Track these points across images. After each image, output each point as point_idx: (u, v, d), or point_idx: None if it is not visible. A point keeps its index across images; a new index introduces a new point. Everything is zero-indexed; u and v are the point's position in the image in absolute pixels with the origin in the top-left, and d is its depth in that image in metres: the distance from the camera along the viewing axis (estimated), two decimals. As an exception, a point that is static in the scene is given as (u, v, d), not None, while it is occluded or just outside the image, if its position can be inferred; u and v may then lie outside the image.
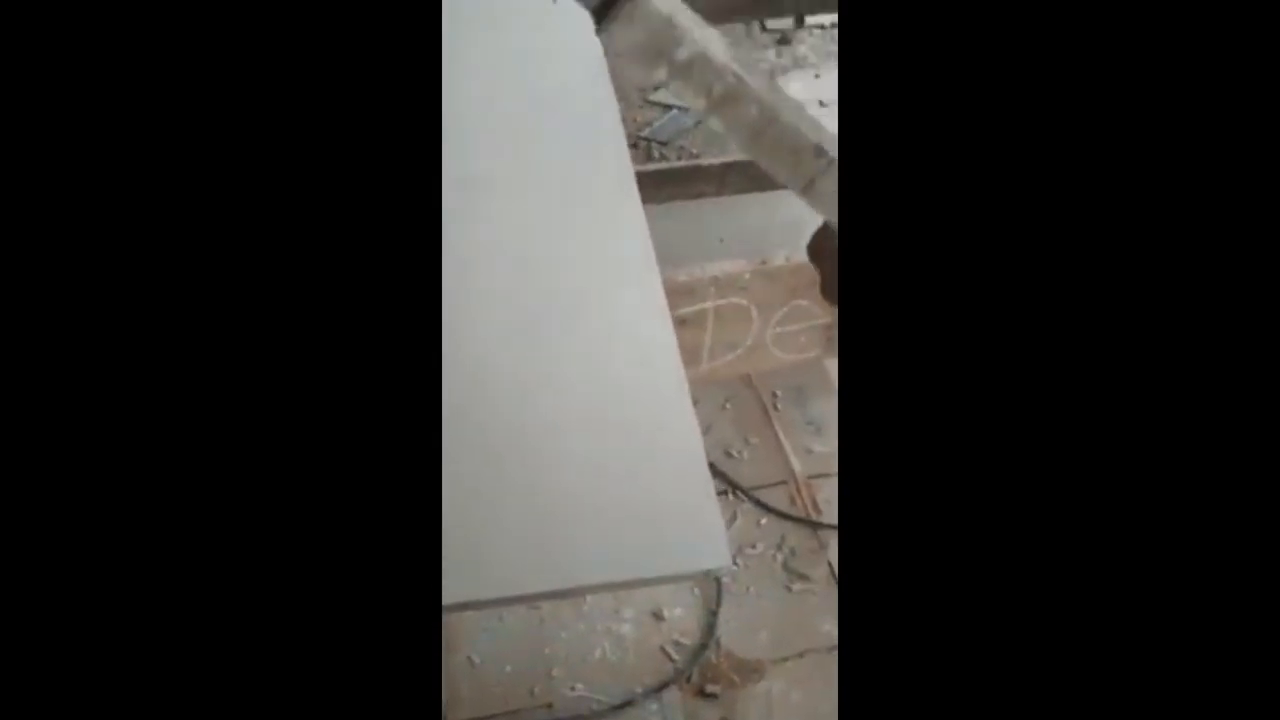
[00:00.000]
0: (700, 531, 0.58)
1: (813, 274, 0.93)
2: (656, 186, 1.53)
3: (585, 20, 1.08)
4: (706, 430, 1.43)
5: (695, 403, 1.41)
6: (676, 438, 0.63)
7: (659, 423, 0.64)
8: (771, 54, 2.24)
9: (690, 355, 0.93)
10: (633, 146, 1.96)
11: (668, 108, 2.06)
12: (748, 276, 0.87)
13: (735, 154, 1.74)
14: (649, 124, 2.01)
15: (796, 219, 1.65)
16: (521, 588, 0.54)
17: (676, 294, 0.90)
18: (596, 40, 1.09)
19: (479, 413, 0.61)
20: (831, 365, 1.41)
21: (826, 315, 0.94)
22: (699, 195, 1.45)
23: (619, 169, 0.88)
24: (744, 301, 0.89)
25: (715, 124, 0.40)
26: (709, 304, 0.90)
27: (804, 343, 0.99)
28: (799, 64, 2.20)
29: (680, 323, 0.91)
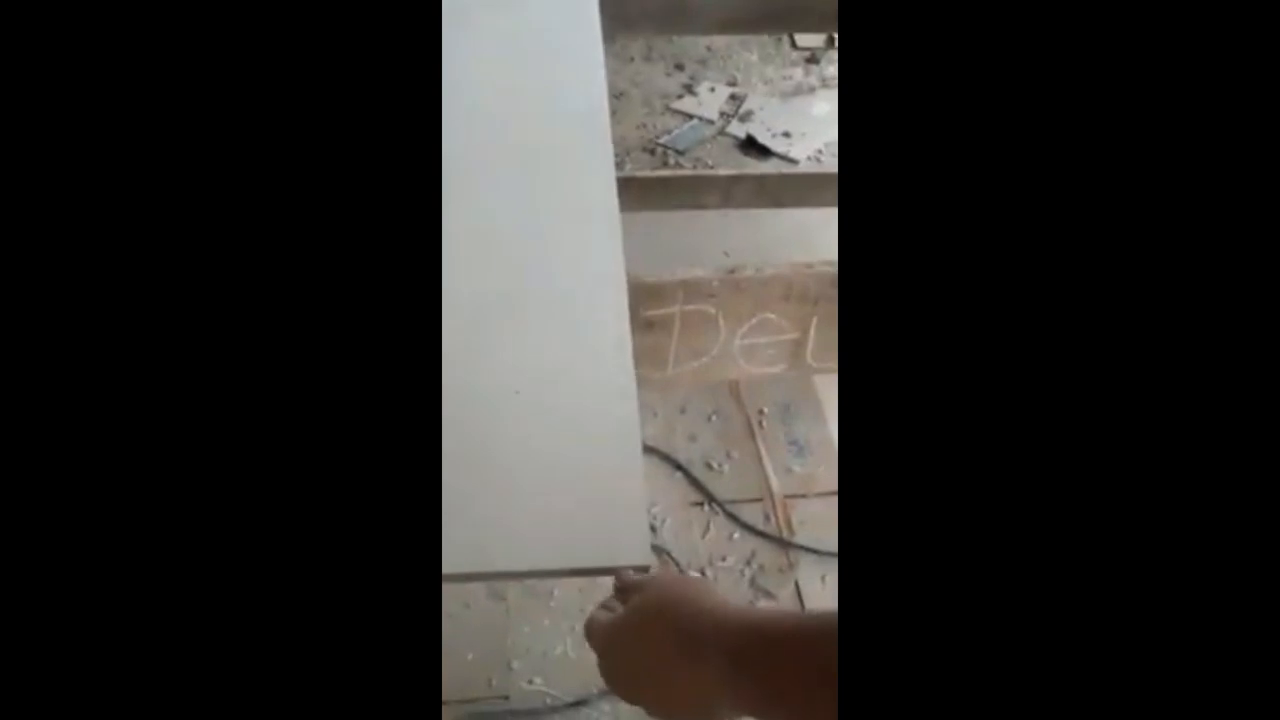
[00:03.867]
0: (625, 530, 0.59)
1: (784, 285, 0.93)
2: (663, 194, 1.54)
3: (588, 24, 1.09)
4: (692, 440, 1.44)
5: (681, 410, 1.42)
6: (616, 439, 0.63)
7: (601, 422, 0.64)
8: (799, 72, 2.24)
9: (657, 359, 0.94)
10: (650, 153, 1.98)
11: (689, 117, 2.07)
12: (716, 284, 0.87)
13: (744, 168, 1.75)
14: (668, 131, 2.02)
15: (801, 236, 1.66)
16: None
17: (646, 295, 0.91)
18: (598, 44, 1.10)
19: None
20: (811, 381, 1.41)
21: (794, 330, 0.95)
22: (702, 206, 1.46)
23: (603, 171, 0.89)
24: (711, 310, 0.90)
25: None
26: (676, 308, 0.90)
27: (771, 356, 0.99)
28: (826, 84, 2.20)
29: (648, 325, 0.92)
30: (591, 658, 0.54)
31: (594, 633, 0.53)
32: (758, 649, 0.46)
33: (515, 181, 0.84)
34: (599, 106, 0.94)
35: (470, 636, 1.19)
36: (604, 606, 0.54)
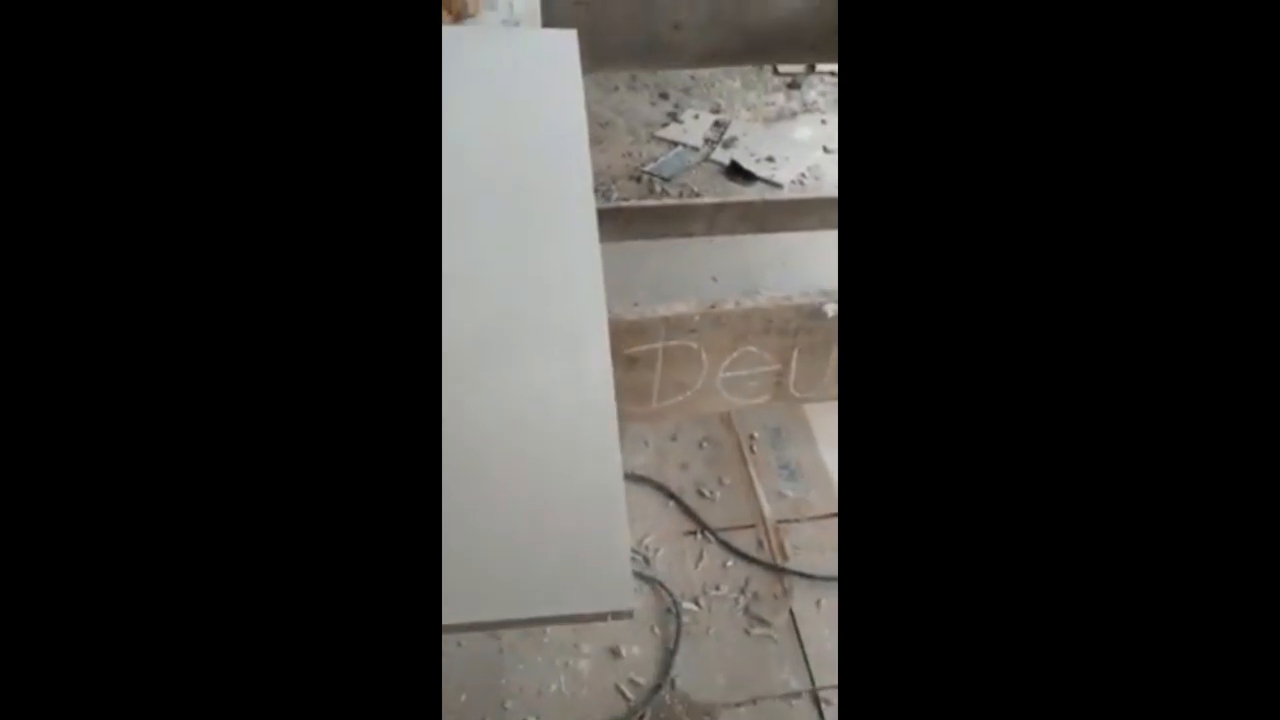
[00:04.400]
0: (608, 576, 0.58)
1: (764, 318, 0.94)
2: (649, 223, 1.55)
3: (567, 57, 1.11)
4: (683, 468, 1.43)
5: (672, 438, 1.42)
6: (598, 479, 0.63)
7: (583, 462, 0.64)
8: (781, 97, 2.27)
9: (640, 395, 0.94)
10: (635, 180, 1.99)
11: (674, 144, 2.09)
12: (697, 319, 0.88)
13: (729, 194, 1.76)
14: (654, 159, 2.04)
15: (786, 259, 1.67)
16: None
17: (627, 333, 0.91)
18: (578, 81, 1.11)
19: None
20: (802, 409, 1.41)
21: (776, 362, 0.95)
22: (689, 233, 1.47)
23: (582, 206, 0.90)
24: (694, 345, 0.90)
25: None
26: (658, 344, 0.91)
27: (754, 388, 0.99)
28: (808, 109, 2.22)
29: (631, 362, 0.92)
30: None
31: None
32: None
33: (494, 219, 0.84)
34: (579, 145, 0.95)
35: (463, 676, 1.18)
36: None
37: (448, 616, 0.56)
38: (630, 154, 2.07)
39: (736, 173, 1.98)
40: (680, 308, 0.88)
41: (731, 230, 1.48)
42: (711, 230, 1.50)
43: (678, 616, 1.23)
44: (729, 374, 0.95)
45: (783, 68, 2.32)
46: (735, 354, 0.90)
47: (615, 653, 1.20)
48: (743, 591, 1.26)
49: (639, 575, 1.27)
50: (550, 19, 1.24)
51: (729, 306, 0.90)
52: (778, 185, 1.94)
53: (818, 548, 1.30)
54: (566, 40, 1.14)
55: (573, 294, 0.78)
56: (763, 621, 1.22)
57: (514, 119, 0.99)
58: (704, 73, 2.29)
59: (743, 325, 0.92)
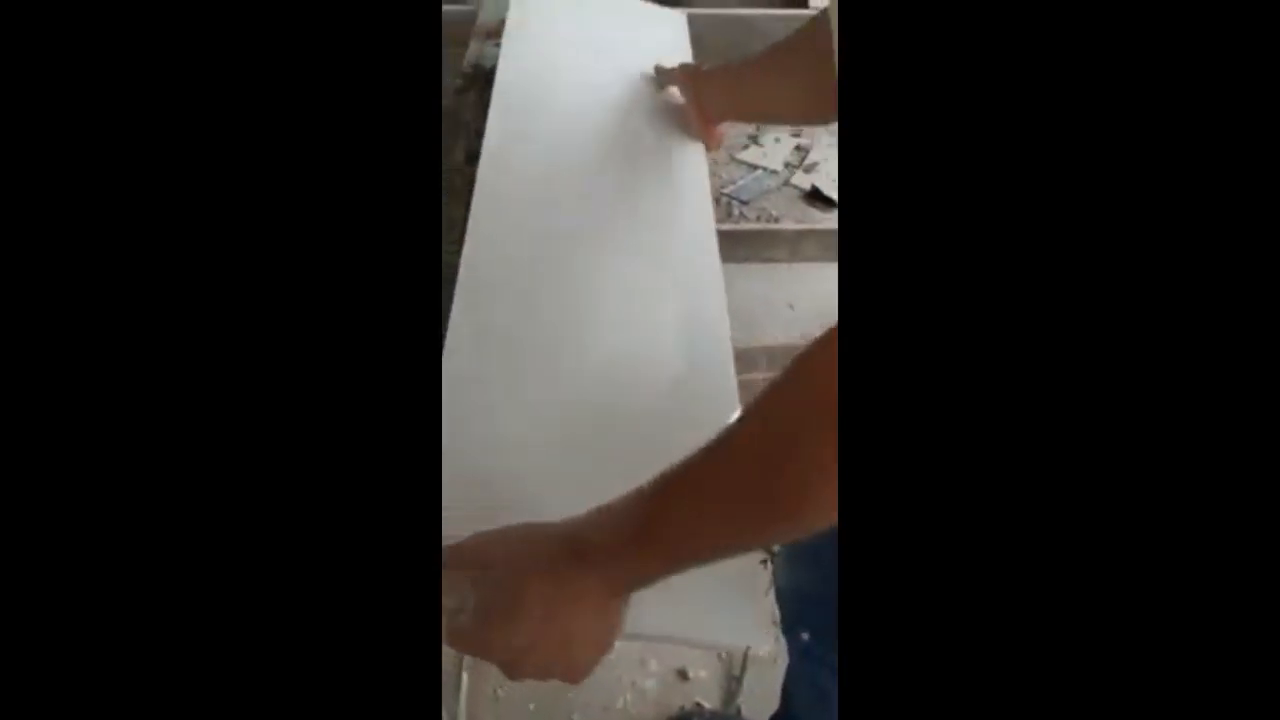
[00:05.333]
0: (747, 609, 0.58)
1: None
2: (731, 246, 1.56)
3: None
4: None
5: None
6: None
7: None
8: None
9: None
10: (715, 202, 2.00)
11: (753, 168, 2.09)
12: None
13: (808, 220, 1.75)
14: (732, 182, 2.04)
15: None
16: None
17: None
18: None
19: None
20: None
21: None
22: (770, 260, 1.47)
23: (703, 224, 0.91)
24: (794, 378, 0.91)
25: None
26: (759, 375, 0.91)
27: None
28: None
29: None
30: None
31: (491, 640, 0.46)
32: (644, 503, 0.47)
33: (619, 236, 0.86)
34: (697, 155, 0.97)
35: (532, 686, 1.19)
36: (458, 611, 0.47)
37: None
38: (710, 176, 2.08)
39: (817, 198, 1.97)
40: (782, 338, 0.87)
41: (815, 258, 1.47)
42: (794, 257, 1.50)
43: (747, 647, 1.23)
44: (826, 407, 0.94)
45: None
46: (834, 388, 0.90)
47: (683, 675, 1.20)
48: (812, 623, 1.25)
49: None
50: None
51: (831, 340, 0.90)
52: (858, 213, 1.93)
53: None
54: (676, 22, 1.15)
55: (697, 312, 0.79)
56: (832, 655, 1.21)
57: (626, 112, 1.01)
58: (785, 96, 2.29)
59: (844, 360, 0.92)
